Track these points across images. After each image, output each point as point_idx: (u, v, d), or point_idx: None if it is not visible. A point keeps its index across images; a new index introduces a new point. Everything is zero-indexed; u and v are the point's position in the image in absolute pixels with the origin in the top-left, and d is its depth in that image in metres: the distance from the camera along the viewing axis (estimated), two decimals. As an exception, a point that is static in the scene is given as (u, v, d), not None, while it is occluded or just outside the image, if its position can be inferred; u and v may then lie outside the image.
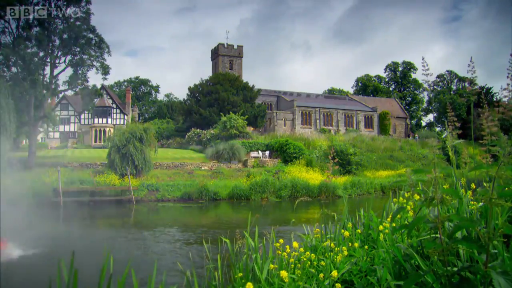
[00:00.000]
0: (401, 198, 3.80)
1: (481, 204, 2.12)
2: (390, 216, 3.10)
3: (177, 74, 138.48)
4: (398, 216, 3.05)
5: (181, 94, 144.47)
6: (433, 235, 1.86)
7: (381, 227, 2.87)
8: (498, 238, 1.44)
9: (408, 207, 2.88)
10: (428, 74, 2.16)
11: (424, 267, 1.74)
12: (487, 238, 1.42)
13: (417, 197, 2.94)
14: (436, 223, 1.52)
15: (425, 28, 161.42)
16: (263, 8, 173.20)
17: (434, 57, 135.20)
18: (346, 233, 3.15)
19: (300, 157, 36.71)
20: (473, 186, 2.89)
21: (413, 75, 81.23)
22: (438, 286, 1.59)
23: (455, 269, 1.55)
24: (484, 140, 1.96)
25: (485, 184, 2.01)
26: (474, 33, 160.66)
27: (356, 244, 2.93)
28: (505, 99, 2.24)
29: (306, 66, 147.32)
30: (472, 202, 2.38)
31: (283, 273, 2.36)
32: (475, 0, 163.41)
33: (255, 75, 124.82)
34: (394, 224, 2.82)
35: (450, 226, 2.01)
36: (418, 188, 2.23)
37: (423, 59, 2.17)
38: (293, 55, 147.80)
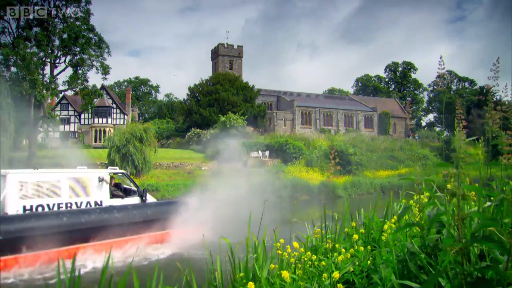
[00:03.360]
0: (404, 201, 3.77)
1: (488, 203, 2.09)
2: (395, 216, 3.07)
3: (181, 74, 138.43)
4: (406, 217, 3.02)
5: (184, 94, 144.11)
6: (440, 235, 1.83)
7: (386, 227, 2.85)
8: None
9: (414, 208, 2.84)
10: (442, 73, 2.12)
11: (443, 266, 1.70)
12: (511, 239, 1.38)
13: (422, 197, 2.91)
14: (455, 221, 1.48)
15: (430, 28, 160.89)
16: (269, 8, 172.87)
17: (439, 57, 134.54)
18: (355, 236, 3.11)
19: (300, 157, 36.70)
20: (476, 185, 2.86)
21: (413, 75, 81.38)
22: (449, 286, 1.56)
23: (472, 268, 1.52)
24: (507, 140, 1.92)
25: (495, 183, 1.98)
26: (478, 33, 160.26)
27: (357, 245, 2.90)
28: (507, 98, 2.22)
29: (309, 66, 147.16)
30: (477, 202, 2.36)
31: (285, 273, 2.34)
32: (480, 0, 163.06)
33: (259, 75, 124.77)
34: (397, 224, 2.80)
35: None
36: (425, 188, 2.19)
37: (440, 57, 2.14)
38: (296, 55, 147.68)
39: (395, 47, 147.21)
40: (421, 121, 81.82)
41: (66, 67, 32.21)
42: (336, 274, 2.35)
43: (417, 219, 2.07)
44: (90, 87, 32.71)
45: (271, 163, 36.17)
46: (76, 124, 52.19)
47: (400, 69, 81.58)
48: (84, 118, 51.81)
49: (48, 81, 30.86)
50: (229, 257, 3.12)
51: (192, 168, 33.04)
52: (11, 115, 26.46)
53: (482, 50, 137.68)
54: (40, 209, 9.59)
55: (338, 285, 2.29)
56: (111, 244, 9.95)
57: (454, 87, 76.72)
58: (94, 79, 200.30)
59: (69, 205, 10.10)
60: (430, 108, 79.54)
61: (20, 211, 9.25)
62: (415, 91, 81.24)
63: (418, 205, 1.76)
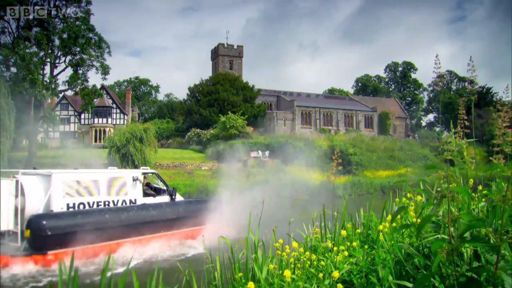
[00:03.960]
0: (404, 199, 3.78)
1: (483, 203, 2.11)
2: (390, 216, 3.08)
3: (182, 74, 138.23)
4: (399, 216, 3.02)
5: (184, 94, 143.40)
6: (438, 235, 1.84)
7: (380, 227, 2.85)
8: (509, 240, 1.43)
9: (410, 208, 2.85)
10: (439, 72, 2.14)
11: (434, 267, 1.72)
12: (499, 239, 1.40)
13: (419, 197, 2.93)
14: (446, 222, 1.50)
15: (431, 28, 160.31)
16: (270, 8, 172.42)
17: (440, 57, 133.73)
18: (344, 232, 3.14)
19: (300, 157, 36.71)
20: (471, 182, 2.87)
21: (413, 75, 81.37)
22: (443, 286, 1.57)
23: (463, 269, 1.53)
24: (497, 140, 1.93)
25: (494, 184, 1.99)
26: (479, 33, 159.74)
27: (354, 244, 2.91)
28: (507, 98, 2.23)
29: (310, 67, 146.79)
30: (476, 201, 2.37)
31: (287, 272, 2.34)
32: (481, 0, 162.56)
33: (260, 75, 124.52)
34: (394, 224, 2.80)
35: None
36: (419, 189, 2.20)
37: (436, 56, 2.15)
38: (297, 56, 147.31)
39: (396, 47, 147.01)
40: (421, 121, 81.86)
41: (66, 67, 32.25)
42: (336, 274, 2.35)
43: (414, 219, 2.09)
44: (90, 87, 32.72)
45: (271, 163, 36.19)
46: (76, 124, 52.18)
47: (400, 69, 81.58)
48: (84, 118, 51.81)
49: (48, 81, 30.87)
50: (229, 257, 3.13)
51: (192, 168, 33.05)
52: (11, 115, 26.48)
53: (483, 50, 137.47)
54: (81, 206, 10.22)
55: (337, 285, 2.29)
56: (148, 239, 10.69)
57: (454, 87, 76.70)
58: (94, 79, 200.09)
59: (106, 203, 10.75)
60: (430, 108, 79.52)
61: (64, 209, 9.84)
62: (415, 91, 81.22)
63: (414, 206, 1.77)
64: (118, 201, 10.96)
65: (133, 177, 11.42)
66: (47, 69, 31.85)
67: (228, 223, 11.04)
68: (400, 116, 64.11)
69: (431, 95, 77.55)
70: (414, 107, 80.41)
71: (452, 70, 77.05)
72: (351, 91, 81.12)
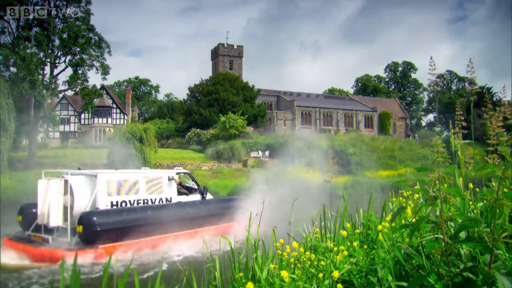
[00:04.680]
0: (400, 198, 3.79)
1: (481, 204, 2.11)
2: (390, 216, 3.09)
3: (182, 74, 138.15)
4: (399, 216, 3.03)
5: (184, 94, 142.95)
6: (435, 235, 1.85)
7: (379, 227, 2.86)
8: (503, 239, 1.43)
9: (408, 209, 2.86)
10: (434, 74, 2.15)
11: (428, 267, 1.73)
12: (491, 239, 1.41)
13: (416, 196, 2.94)
14: (439, 223, 1.51)
15: (432, 28, 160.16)
16: (271, 8, 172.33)
17: (441, 57, 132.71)
18: (344, 233, 3.15)
19: (300, 157, 36.72)
20: (471, 185, 2.88)
21: (413, 75, 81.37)
22: (440, 286, 1.58)
23: (458, 269, 1.54)
24: (491, 140, 1.95)
25: (493, 183, 2.00)
26: (480, 33, 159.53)
27: (355, 244, 2.92)
28: (506, 98, 2.23)
29: (311, 67, 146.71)
30: (471, 202, 2.38)
31: (284, 273, 2.35)
32: (482, 0, 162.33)
33: (261, 75, 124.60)
34: (393, 224, 2.81)
35: (451, 226, 2.01)
36: (417, 188, 2.21)
37: (431, 58, 2.15)
38: (298, 56, 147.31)
39: (397, 47, 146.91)
40: (421, 121, 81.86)
41: (66, 67, 32.26)
42: (336, 274, 2.36)
43: (413, 220, 2.10)
44: (90, 87, 32.73)
45: (271, 163, 36.21)
46: (76, 124, 52.18)
47: (400, 69, 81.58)
48: (84, 118, 51.80)
49: (48, 81, 30.87)
50: (229, 257, 3.14)
51: (192, 168, 33.05)
52: (11, 115, 26.49)
53: (483, 50, 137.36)
54: (123, 204, 10.80)
55: (337, 285, 2.29)
56: (184, 235, 11.24)
57: (454, 87, 76.70)
58: (94, 79, 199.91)
59: (145, 201, 11.39)
60: (430, 108, 79.55)
61: (109, 206, 10.43)
62: (415, 91, 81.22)
63: (412, 205, 1.78)
64: (155, 199, 11.62)
65: (168, 176, 12.08)
66: (47, 69, 31.86)
67: (256, 220, 11.28)
68: (400, 116, 64.13)
69: (431, 95, 77.60)
70: (414, 107, 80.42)
71: (452, 70, 77.13)
72: (351, 91, 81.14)
